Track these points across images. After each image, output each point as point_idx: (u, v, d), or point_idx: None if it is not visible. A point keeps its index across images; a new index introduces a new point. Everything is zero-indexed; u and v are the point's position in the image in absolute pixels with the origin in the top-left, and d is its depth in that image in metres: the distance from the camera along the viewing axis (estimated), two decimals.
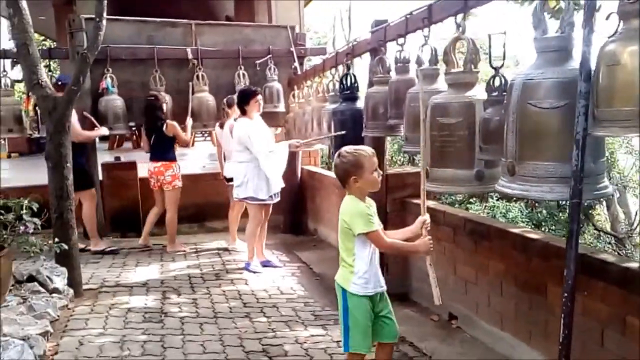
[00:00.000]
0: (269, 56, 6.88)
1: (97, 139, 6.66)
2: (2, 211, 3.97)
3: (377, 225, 2.69)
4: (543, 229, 7.71)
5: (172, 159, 6.18)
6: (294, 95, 6.55)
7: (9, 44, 5.55)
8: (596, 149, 2.33)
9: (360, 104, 4.46)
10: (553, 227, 8.45)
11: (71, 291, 4.49)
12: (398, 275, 4.42)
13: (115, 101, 6.36)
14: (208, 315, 4.26)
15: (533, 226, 7.50)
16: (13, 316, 3.57)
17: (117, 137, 13.36)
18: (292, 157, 6.72)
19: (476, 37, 3.00)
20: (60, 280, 4.39)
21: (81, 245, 5.50)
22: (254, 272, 5.36)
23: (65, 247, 4.21)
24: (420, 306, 4.21)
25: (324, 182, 6.75)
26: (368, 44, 4.42)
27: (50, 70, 15.27)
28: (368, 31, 4.45)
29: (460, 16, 2.98)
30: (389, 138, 4.76)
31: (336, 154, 2.77)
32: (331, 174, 7.26)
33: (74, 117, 5.79)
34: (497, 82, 2.76)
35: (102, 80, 6.30)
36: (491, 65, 2.82)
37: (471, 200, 8.58)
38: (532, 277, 3.17)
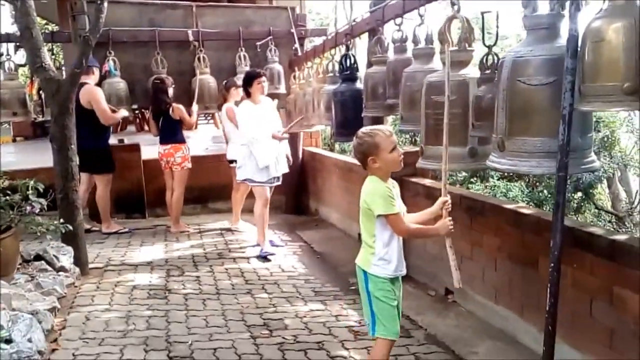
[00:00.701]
0: (269, 37, 6.87)
1: None
2: (9, 192, 4.07)
3: (398, 207, 2.59)
4: (544, 209, 7.75)
5: (182, 140, 6.24)
6: (294, 77, 6.57)
7: (12, 28, 5.60)
8: (583, 124, 2.40)
9: (359, 84, 4.50)
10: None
11: (77, 270, 4.61)
12: None
13: (118, 84, 6.39)
14: (211, 291, 4.37)
15: (534, 205, 7.52)
16: (22, 292, 3.67)
17: (121, 120, 13.39)
18: (294, 138, 6.78)
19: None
20: (66, 259, 4.50)
21: (86, 226, 5.60)
22: (270, 255, 5.26)
23: (70, 227, 4.31)
24: (417, 282, 4.30)
25: (325, 163, 6.80)
26: (367, 24, 4.46)
27: (53, 54, 15.30)
28: (366, 11, 4.49)
29: None
30: (389, 118, 4.80)
31: (355, 136, 2.69)
32: (332, 154, 7.34)
33: (104, 102, 5.87)
34: (490, 61, 2.81)
35: (104, 63, 6.35)
36: (484, 44, 2.87)
37: (472, 180, 8.60)
38: (525, 252, 3.25)
